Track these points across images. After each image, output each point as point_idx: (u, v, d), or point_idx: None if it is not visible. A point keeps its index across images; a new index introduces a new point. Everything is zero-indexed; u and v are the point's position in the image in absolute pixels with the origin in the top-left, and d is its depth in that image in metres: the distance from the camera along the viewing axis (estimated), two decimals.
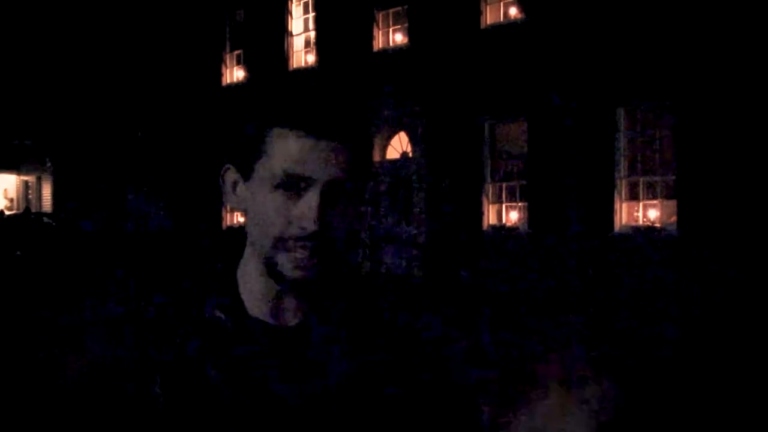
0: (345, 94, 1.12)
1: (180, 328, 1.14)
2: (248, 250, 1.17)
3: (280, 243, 1.09)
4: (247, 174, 1.13)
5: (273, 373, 1.12)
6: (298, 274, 1.09)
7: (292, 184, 1.07)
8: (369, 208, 15.30)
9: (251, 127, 1.12)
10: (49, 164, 23.00)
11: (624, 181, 11.81)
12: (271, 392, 1.11)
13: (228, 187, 1.17)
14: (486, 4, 13.69)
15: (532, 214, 13.01)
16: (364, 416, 1.13)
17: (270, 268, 1.10)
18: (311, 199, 1.07)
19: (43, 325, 7.96)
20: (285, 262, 1.09)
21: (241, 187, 1.15)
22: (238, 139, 1.14)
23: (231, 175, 1.17)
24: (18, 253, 15.61)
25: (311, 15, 17.42)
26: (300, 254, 1.08)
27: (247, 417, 1.11)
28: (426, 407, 1.17)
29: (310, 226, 1.06)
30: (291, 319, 1.15)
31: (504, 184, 13.68)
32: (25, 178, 25.20)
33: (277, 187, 1.08)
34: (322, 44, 16.87)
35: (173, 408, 1.11)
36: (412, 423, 1.16)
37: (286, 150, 1.08)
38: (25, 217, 18.66)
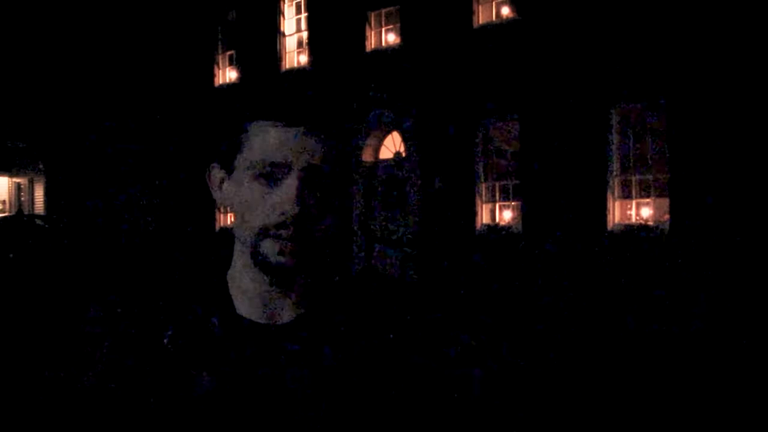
0: (330, 89, 1.15)
1: (169, 332, 1.14)
2: (237, 248, 1.18)
3: (264, 231, 1.11)
4: (230, 169, 1.17)
5: (264, 373, 1.12)
6: (282, 259, 1.11)
7: (271, 172, 1.11)
8: (360, 203, 15.30)
9: (240, 125, 1.15)
10: (41, 166, 22.91)
11: (617, 180, 11.83)
12: (263, 393, 1.11)
13: (215, 184, 1.21)
14: (478, 4, 13.70)
15: (525, 213, 13.02)
16: (355, 413, 1.13)
17: (255, 257, 1.12)
18: (290, 184, 1.10)
19: (36, 327, 7.94)
20: (269, 248, 1.11)
21: (226, 184, 1.18)
22: (223, 137, 1.18)
23: (217, 173, 1.21)
24: (11, 255, 15.57)
25: (303, 15, 17.41)
26: (283, 239, 1.10)
27: (239, 417, 1.10)
28: (417, 404, 1.17)
29: (290, 210, 1.09)
30: (282, 317, 1.16)
31: (497, 183, 13.69)
32: (17, 180, 25.11)
33: (257, 177, 1.12)
34: (314, 44, 16.86)
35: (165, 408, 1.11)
36: (404, 419, 1.16)
37: (265, 140, 1.11)
38: (18, 219, 18.56)
